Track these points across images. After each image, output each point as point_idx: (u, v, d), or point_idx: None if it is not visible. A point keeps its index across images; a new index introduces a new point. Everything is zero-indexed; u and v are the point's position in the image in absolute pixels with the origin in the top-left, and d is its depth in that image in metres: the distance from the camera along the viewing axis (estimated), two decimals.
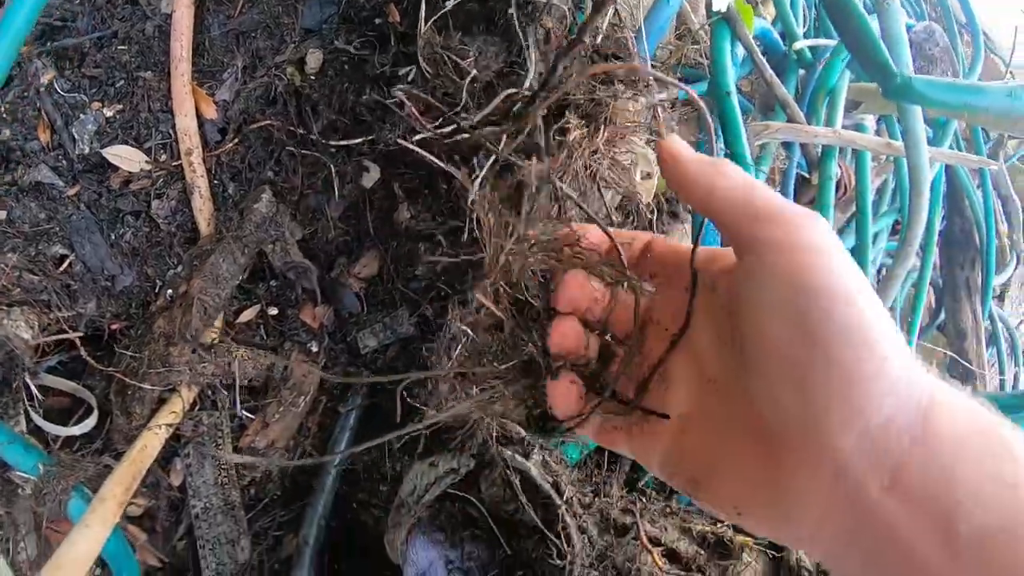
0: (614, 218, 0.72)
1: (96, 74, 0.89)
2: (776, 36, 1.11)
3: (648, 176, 0.74)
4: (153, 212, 0.89)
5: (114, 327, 0.87)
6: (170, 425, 0.83)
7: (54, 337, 0.82)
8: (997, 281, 1.67)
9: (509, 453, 0.70)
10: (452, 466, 0.77)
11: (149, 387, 0.81)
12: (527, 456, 0.71)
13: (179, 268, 0.89)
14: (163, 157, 0.91)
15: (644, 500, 0.72)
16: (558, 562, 0.67)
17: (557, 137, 0.61)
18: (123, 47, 0.89)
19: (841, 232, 1.19)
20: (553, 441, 0.74)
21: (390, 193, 0.97)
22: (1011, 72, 1.68)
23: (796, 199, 1.08)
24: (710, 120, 0.38)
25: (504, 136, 0.54)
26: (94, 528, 0.72)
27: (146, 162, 0.89)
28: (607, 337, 0.41)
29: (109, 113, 0.89)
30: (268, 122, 0.93)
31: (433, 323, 0.92)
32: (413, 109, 0.49)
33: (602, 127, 0.63)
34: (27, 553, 0.78)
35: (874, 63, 0.77)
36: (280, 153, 0.95)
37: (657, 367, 0.38)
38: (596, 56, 0.73)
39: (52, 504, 0.75)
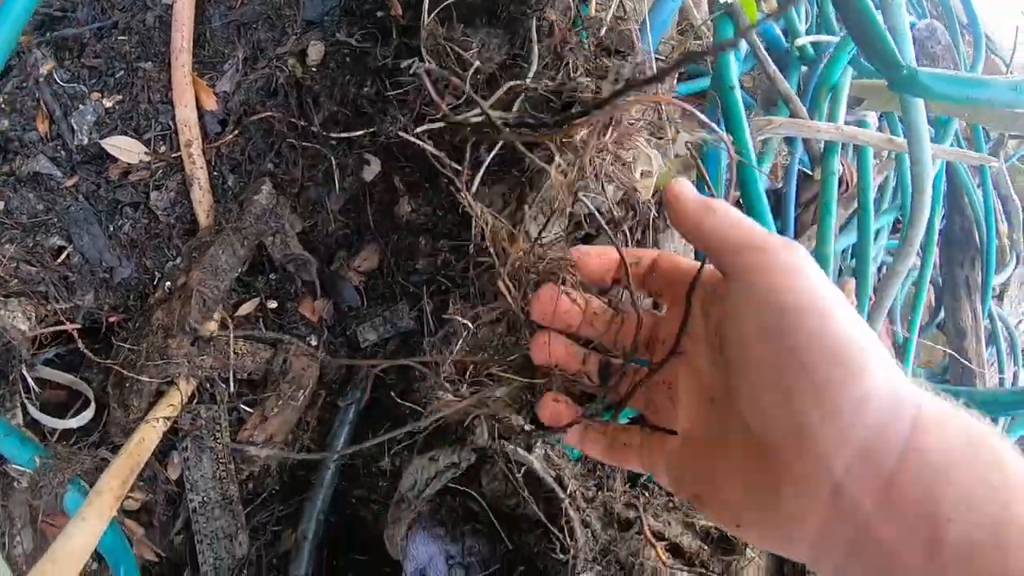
0: (616, 213, 0.72)
1: (96, 64, 0.88)
2: (778, 32, 1.11)
3: (648, 174, 0.74)
4: (152, 203, 0.89)
5: (112, 319, 0.86)
6: (168, 418, 0.82)
7: (51, 329, 0.81)
8: (997, 280, 1.68)
9: (511, 447, 0.70)
10: (453, 460, 0.76)
11: (147, 380, 0.80)
12: (529, 450, 0.70)
13: (178, 260, 0.88)
14: (162, 148, 0.90)
15: (648, 495, 0.72)
16: (561, 556, 0.66)
17: (563, 139, 0.60)
18: (123, 37, 0.89)
19: (843, 228, 1.19)
20: (554, 439, 0.74)
21: (391, 186, 0.96)
22: (1011, 72, 1.69)
23: (798, 195, 1.08)
24: (722, 132, 0.39)
25: (535, 139, 0.53)
26: (90, 522, 0.72)
27: (145, 153, 0.89)
28: (610, 354, 0.43)
29: (108, 104, 0.88)
30: (269, 114, 0.92)
31: (432, 317, 0.91)
32: (430, 86, 0.48)
33: (610, 127, 0.63)
34: (23, 547, 0.78)
35: (880, 55, 0.77)
36: (280, 145, 0.94)
37: (637, 386, 0.41)
38: (599, 50, 0.73)
39: (48, 497, 0.74)
